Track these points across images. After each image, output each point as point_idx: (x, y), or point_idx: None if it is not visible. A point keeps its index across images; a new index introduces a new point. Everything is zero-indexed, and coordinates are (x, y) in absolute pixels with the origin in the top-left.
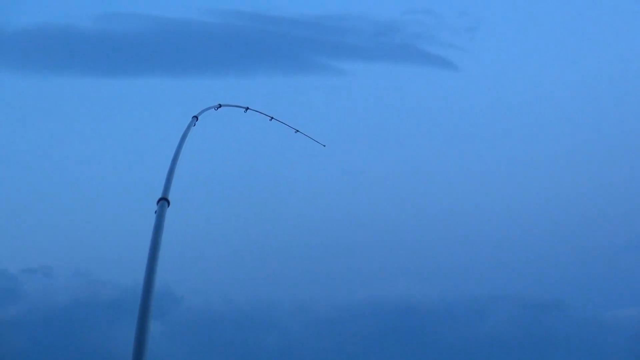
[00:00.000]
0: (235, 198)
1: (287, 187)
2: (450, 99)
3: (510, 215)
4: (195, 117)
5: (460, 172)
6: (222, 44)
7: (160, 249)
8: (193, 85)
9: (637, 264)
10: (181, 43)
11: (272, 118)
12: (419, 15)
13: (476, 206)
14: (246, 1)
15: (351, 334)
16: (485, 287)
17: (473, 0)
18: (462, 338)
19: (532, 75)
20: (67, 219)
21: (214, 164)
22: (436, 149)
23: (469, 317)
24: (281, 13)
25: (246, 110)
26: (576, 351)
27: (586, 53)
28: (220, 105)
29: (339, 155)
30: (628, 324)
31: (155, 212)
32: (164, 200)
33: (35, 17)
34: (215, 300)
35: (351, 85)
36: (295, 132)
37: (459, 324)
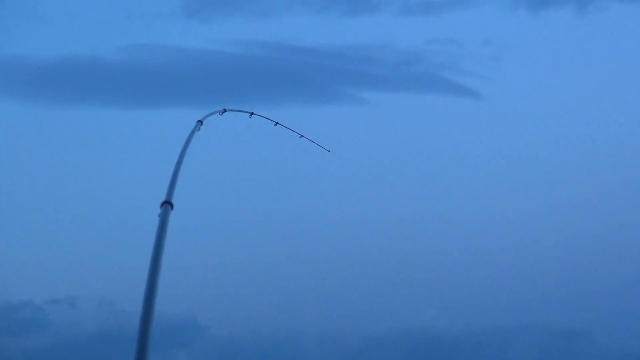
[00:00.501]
0: (264, 233)
1: (314, 219)
2: (475, 128)
3: (538, 244)
4: (200, 122)
5: (486, 201)
6: (246, 75)
7: (163, 254)
8: (217, 117)
9: None
10: (206, 74)
11: (276, 123)
12: (443, 44)
13: (502, 236)
14: (270, 32)
15: None
16: (511, 317)
17: (497, 29)
18: None
19: (558, 104)
20: (92, 249)
21: (245, 198)
22: (462, 178)
23: (496, 347)
24: (304, 43)
25: (251, 115)
26: None
27: (614, 82)
28: (224, 110)
29: (366, 184)
30: None
31: (159, 215)
32: (167, 204)
33: (60, 48)
34: (241, 330)
35: (375, 114)
36: (300, 138)
37: (486, 353)
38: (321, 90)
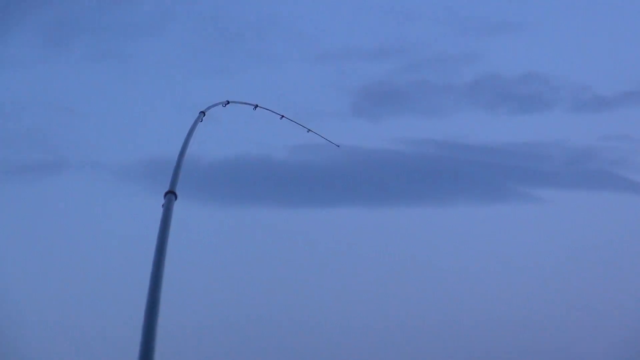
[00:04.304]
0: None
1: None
2: None
3: None
4: (203, 113)
5: None
6: (416, 173)
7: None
8: (390, 216)
9: None
10: (376, 173)
11: (282, 116)
12: (616, 141)
13: None
14: (439, 130)
15: None
16: None
17: None
18: None
19: None
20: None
21: None
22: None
23: None
24: (474, 141)
25: (255, 107)
26: None
27: None
28: (228, 102)
29: (533, 278)
30: None
31: (163, 205)
32: (171, 194)
33: (232, 148)
34: None
35: (547, 212)
36: (308, 132)
37: None
38: (491, 188)
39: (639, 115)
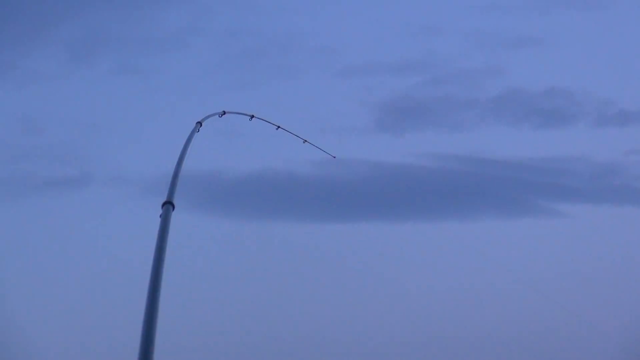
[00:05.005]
0: None
1: None
2: None
3: None
4: (199, 123)
5: None
6: (439, 188)
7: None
8: (413, 231)
9: None
10: (399, 187)
11: (278, 127)
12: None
13: None
14: (463, 145)
15: None
16: None
17: None
18: None
19: None
20: None
21: None
22: None
23: None
24: (497, 156)
25: (251, 118)
26: None
27: None
28: (224, 112)
29: (557, 292)
30: None
31: (160, 215)
32: (168, 204)
33: (254, 163)
34: None
35: (571, 227)
36: (304, 143)
37: None
38: (515, 203)
39: None
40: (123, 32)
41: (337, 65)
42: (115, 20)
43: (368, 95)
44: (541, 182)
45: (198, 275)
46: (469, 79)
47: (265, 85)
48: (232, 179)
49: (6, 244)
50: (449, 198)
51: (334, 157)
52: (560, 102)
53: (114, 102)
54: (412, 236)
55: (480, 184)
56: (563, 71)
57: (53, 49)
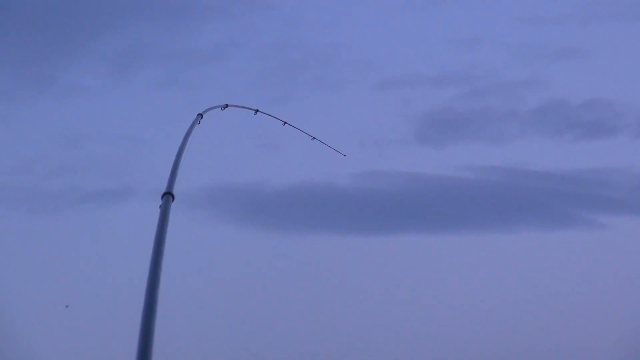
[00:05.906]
0: None
1: None
2: None
3: None
4: (200, 115)
5: None
6: (480, 200)
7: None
8: (454, 243)
9: None
10: (439, 200)
11: (285, 123)
12: None
13: None
14: (504, 157)
15: None
16: None
17: None
18: None
19: None
20: None
21: None
22: None
23: None
24: (538, 168)
25: (256, 112)
26: None
27: None
28: (227, 105)
29: (600, 304)
30: None
31: (160, 206)
32: (168, 195)
33: (294, 176)
34: None
35: (613, 239)
36: (312, 140)
37: None
38: (556, 215)
39: None
40: (163, 46)
41: (378, 77)
42: (156, 35)
43: (407, 108)
44: (582, 193)
45: (238, 286)
46: (509, 90)
47: (305, 97)
48: (271, 192)
49: (49, 256)
50: (490, 210)
51: (345, 155)
52: (601, 113)
53: (155, 115)
54: (452, 248)
55: (521, 196)
56: (604, 82)
57: (94, 63)
